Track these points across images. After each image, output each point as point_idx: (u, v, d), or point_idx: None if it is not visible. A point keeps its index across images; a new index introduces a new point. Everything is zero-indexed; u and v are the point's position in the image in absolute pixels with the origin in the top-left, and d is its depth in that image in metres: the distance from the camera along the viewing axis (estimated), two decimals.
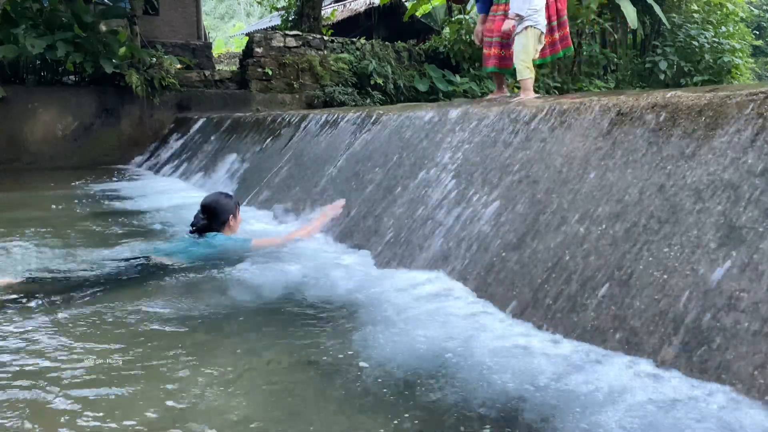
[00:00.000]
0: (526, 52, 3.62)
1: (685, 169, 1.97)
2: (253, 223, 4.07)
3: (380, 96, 11.37)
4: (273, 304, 2.42)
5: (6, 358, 1.87)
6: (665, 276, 1.77)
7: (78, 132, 9.41)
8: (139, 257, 3.11)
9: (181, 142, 8.64)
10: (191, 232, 3.33)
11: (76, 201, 5.47)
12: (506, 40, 4.26)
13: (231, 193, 4.02)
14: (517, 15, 3.53)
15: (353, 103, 10.96)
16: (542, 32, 3.70)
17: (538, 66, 4.51)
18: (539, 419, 1.46)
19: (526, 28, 3.58)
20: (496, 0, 4.39)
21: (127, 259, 3.10)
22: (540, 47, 3.77)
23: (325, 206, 3.67)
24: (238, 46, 25.85)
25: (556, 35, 4.12)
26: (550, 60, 4.38)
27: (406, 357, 1.84)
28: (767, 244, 1.60)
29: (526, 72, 3.61)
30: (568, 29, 4.28)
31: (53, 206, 5.23)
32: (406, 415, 1.51)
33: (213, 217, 3.31)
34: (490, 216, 2.58)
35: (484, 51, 4.53)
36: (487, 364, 1.76)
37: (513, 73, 4.36)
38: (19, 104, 8.91)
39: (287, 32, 11.29)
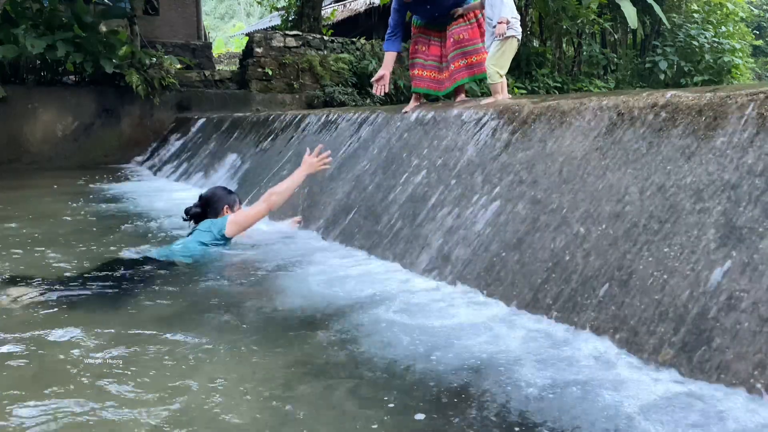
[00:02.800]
0: (502, 59, 3.58)
1: (685, 169, 1.97)
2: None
3: (380, 96, 11.36)
4: (273, 304, 2.41)
5: (3, 357, 1.87)
6: (665, 276, 1.77)
7: (78, 132, 9.41)
8: (140, 257, 3.11)
9: (181, 142, 8.64)
10: (184, 219, 3.42)
11: (75, 201, 5.47)
12: (445, 63, 4.09)
13: (237, 192, 4.01)
14: (508, 20, 3.49)
15: (353, 103, 10.96)
16: (519, 42, 3.67)
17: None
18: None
19: (508, 37, 3.55)
20: (425, 25, 4.14)
21: (127, 259, 3.10)
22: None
23: (321, 215, 3.67)
24: (238, 46, 25.85)
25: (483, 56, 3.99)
26: (468, 81, 4.05)
27: (406, 355, 1.84)
28: (767, 244, 1.60)
29: (496, 77, 3.57)
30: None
31: (53, 206, 5.23)
32: (411, 412, 1.51)
33: (207, 206, 3.40)
34: (490, 216, 2.58)
35: (416, 72, 4.20)
36: (487, 360, 1.76)
37: (437, 96, 4.25)
38: (19, 104, 8.90)
39: (287, 32, 11.29)
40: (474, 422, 1.46)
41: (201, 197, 3.45)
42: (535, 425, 1.43)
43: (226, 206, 3.43)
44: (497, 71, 3.58)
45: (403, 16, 4.16)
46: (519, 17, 3.66)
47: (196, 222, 3.38)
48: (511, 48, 3.62)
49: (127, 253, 3.31)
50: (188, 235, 3.30)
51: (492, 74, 3.57)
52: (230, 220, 3.24)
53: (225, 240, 3.23)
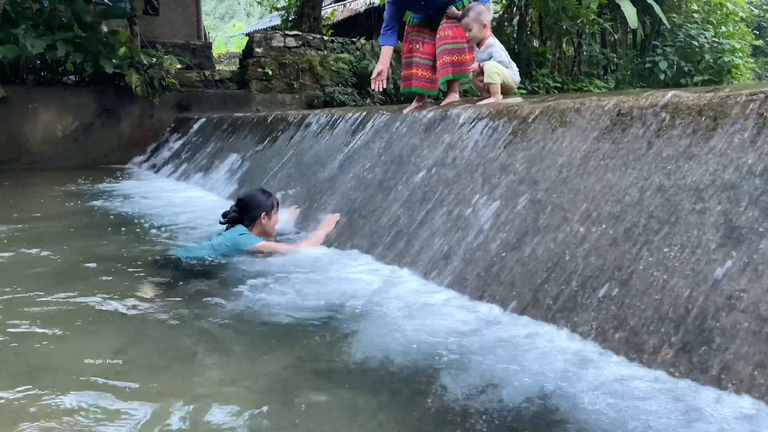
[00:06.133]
0: (502, 69, 3.61)
1: (685, 169, 1.97)
2: None
3: (380, 96, 11.37)
4: (271, 305, 2.41)
5: (4, 354, 1.87)
6: (665, 276, 1.77)
7: (78, 132, 9.41)
8: (159, 256, 3.12)
9: (181, 142, 8.65)
10: (221, 222, 3.38)
11: (75, 201, 5.47)
12: (434, 62, 4.05)
13: (237, 192, 4.00)
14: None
15: (353, 103, 10.96)
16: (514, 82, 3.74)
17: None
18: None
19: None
20: (419, 23, 4.11)
21: (130, 257, 3.10)
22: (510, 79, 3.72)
23: (324, 217, 3.65)
24: (238, 46, 25.87)
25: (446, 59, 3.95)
26: (451, 78, 4.01)
27: (405, 356, 1.84)
28: (767, 244, 1.60)
29: (495, 77, 3.59)
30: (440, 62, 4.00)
31: (52, 206, 5.23)
32: (411, 412, 1.51)
33: (245, 211, 3.35)
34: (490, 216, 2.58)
35: (412, 71, 4.14)
36: (488, 360, 1.76)
37: (434, 96, 4.19)
38: (19, 104, 8.90)
39: (287, 32, 11.30)
40: (476, 423, 1.46)
41: (239, 201, 3.39)
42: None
43: (264, 213, 3.36)
44: (496, 72, 3.58)
45: (398, 9, 4.11)
46: (513, 62, 3.76)
47: (232, 224, 3.34)
48: (512, 80, 3.70)
49: (130, 252, 3.31)
50: (219, 234, 3.29)
51: (491, 74, 3.58)
52: (258, 247, 3.17)
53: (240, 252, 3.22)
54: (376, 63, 4.23)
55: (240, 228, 3.29)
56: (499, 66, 3.61)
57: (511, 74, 3.71)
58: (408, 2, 4.05)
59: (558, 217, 2.27)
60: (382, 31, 4.18)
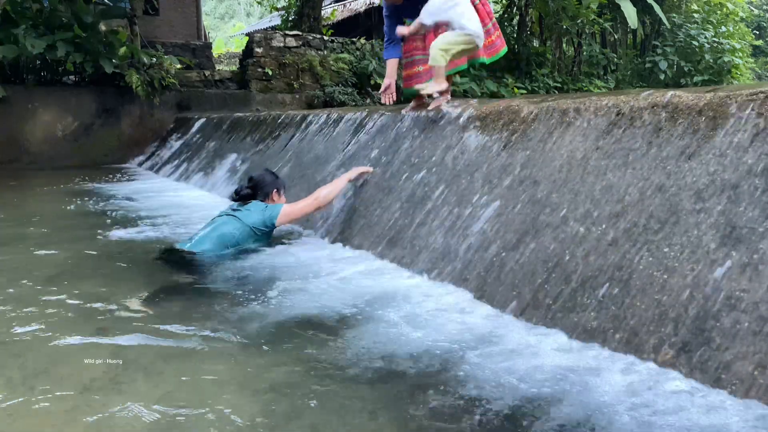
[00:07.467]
0: (452, 46, 3.37)
1: (685, 169, 1.97)
2: None
3: (380, 96, 11.37)
4: (272, 305, 2.42)
5: (3, 354, 1.87)
6: (665, 276, 1.77)
7: (78, 132, 9.41)
8: (159, 256, 3.12)
9: (181, 142, 8.64)
10: (234, 199, 3.41)
11: (75, 201, 5.47)
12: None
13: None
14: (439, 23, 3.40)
15: (353, 103, 10.96)
16: (470, 36, 3.46)
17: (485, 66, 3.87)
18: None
19: (469, 33, 3.42)
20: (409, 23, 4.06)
21: (134, 254, 3.10)
22: (467, 48, 3.50)
23: (324, 215, 3.66)
24: (238, 46, 25.88)
25: (493, 37, 3.88)
26: (488, 62, 3.94)
27: (406, 355, 1.84)
28: (767, 244, 1.60)
29: (440, 59, 3.31)
30: (499, 31, 3.96)
31: (53, 206, 5.23)
32: (410, 414, 1.51)
33: (257, 187, 3.41)
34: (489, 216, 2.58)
35: (417, 69, 4.12)
36: (487, 363, 1.76)
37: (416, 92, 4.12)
38: (19, 104, 8.90)
39: (287, 32, 11.29)
40: (476, 425, 1.46)
41: (251, 179, 3.46)
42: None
43: (275, 190, 3.48)
44: (442, 55, 3.35)
45: (396, 21, 4.12)
46: (465, 12, 3.45)
47: (244, 202, 3.37)
48: (466, 43, 3.46)
49: (129, 252, 3.30)
50: (232, 211, 3.28)
51: (435, 56, 3.39)
52: (284, 211, 3.24)
53: (271, 227, 3.25)
54: (377, 63, 4.22)
55: (257, 203, 3.33)
56: (446, 39, 3.34)
57: (465, 33, 3.36)
58: (404, 13, 4.07)
59: (558, 217, 2.27)
60: (384, 45, 4.22)
